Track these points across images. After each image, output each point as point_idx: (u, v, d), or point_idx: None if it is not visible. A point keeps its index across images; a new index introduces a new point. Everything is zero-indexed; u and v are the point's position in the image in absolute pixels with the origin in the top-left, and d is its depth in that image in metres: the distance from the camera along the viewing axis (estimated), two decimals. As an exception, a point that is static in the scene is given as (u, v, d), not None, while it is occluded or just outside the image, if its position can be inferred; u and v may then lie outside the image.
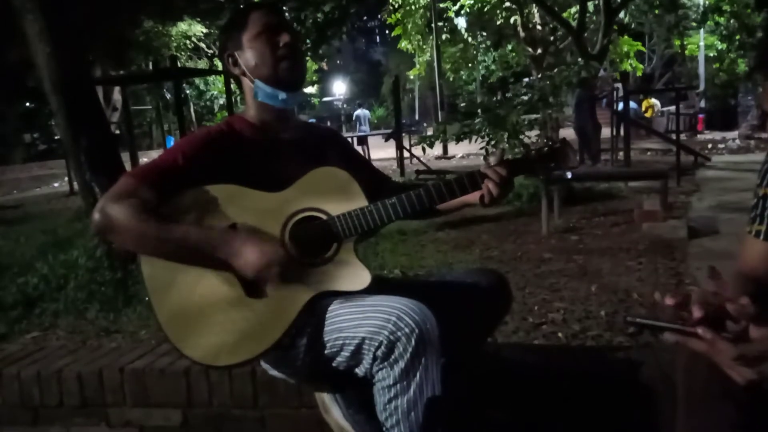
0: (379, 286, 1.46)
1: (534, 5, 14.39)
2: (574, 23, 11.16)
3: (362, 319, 1.36)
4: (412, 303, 1.35)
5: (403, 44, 21.34)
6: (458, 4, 16.18)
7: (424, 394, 1.33)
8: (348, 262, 1.46)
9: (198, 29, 21.88)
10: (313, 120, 27.62)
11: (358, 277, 1.44)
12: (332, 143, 1.75)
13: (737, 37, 17.65)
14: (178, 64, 14.69)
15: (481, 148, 6.22)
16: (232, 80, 1.69)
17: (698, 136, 17.49)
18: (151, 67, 15.78)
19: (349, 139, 9.99)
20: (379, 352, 1.33)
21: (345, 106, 41.27)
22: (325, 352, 1.42)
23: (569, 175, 5.41)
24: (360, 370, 1.41)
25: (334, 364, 1.44)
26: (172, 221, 1.42)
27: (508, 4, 15.49)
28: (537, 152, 1.47)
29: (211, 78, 29.75)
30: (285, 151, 1.58)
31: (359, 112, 17.94)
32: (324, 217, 1.47)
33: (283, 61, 1.52)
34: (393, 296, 1.38)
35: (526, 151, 1.52)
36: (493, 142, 6.06)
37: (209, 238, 1.40)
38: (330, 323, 1.41)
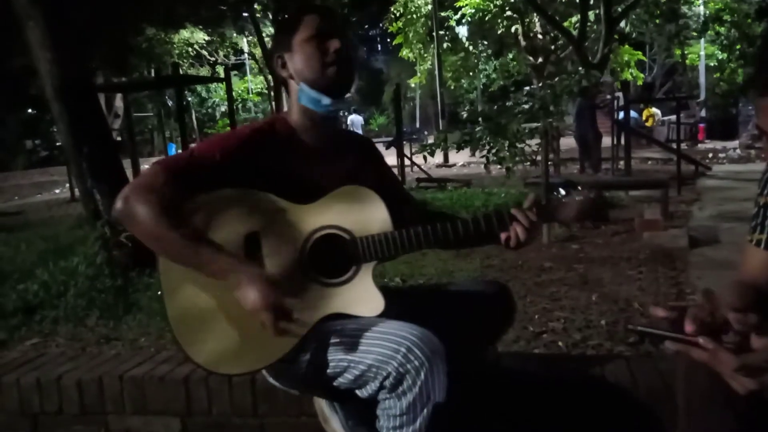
0: (384, 297, 1.44)
1: (535, 14, 14.43)
2: (575, 32, 11.19)
3: (370, 345, 1.34)
4: (422, 333, 1.33)
5: (405, 52, 21.39)
6: (459, 13, 16.22)
7: (430, 426, 1.32)
8: (364, 286, 1.44)
9: (200, 37, 21.98)
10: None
11: (373, 303, 1.42)
12: (368, 156, 1.72)
13: (738, 46, 17.71)
14: (180, 71, 14.74)
15: (482, 157, 6.22)
16: (278, 82, 1.67)
17: (699, 145, 17.51)
18: (153, 74, 15.85)
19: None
20: (387, 383, 1.31)
21: (346, 113, 41.34)
22: (328, 371, 1.41)
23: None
24: (362, 393, 1.39)
25: (335, 384, 1.42)
26: (191, 228, 1.39)
27: (509, 13, 15.52)
28: (577, 204, 1.45)
29: (213, 85, 29.86)
30: (321, 159, 1.56)
31: (353, 117, 17.92)
32: (347, 237, 1.45)
33: (330, 66, 1.49)
34: (403, 323, 1.36)
35: (559, 200, 1.47)
36: (494, 151, 6.05)
37: (219, 262, 1.35)
38: (336, 343, 1.39)
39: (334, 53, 1.49)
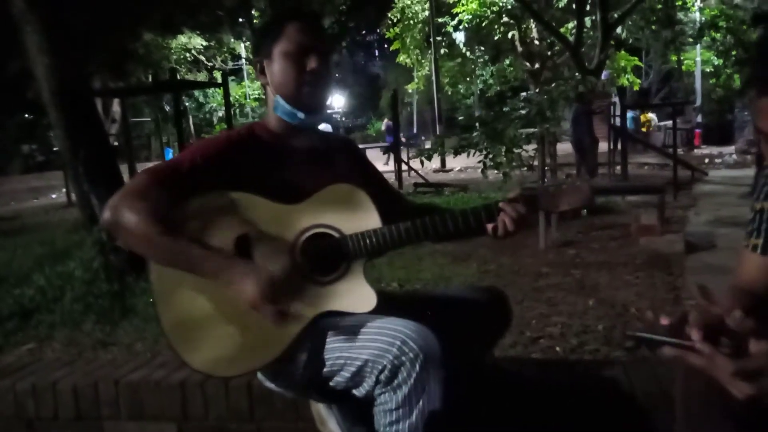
0: (380, 302, 1.44)
1: (532, 20, 14.49)
2: (571, 38, 11.22)
3: (366, 340, 1.35)
4: (416, 327, 1.33)
5: (402, 58, 21.47)
6: (456, 19, 16.27)
7: (426, 420, 1.32)
8: (356, 282, 1.44)
9: (198, 42, 22.02)
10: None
11: (365, 298, 1.43)
12: (349, 155, 1.73)
13: (733, 52, 17.79)
14: (178, 76, 14.75)
15: (479, 162, 6.23)
16: (260, 85, 1.67)
17: (695, 150, 17.55)
18: (150, 79, 15.85)
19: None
20: (382, 376, 1.31)
21: (343, 119, 41.42)
22: (325, 369, 1.41)
23: (585, 212, 5.46)
24: (359, 392, 1.39)
25: (332, 383, 1.42)
26: (181, 232, 1.39)
27: (506, 19, 15.57)
28: (555, 189, 1.46)
29: (210, 90, 29.90)
30: (303, 161, 1.57)
31: (322, 126, 17.86)
32: (337, 235, 1.45)
33: (305, 86, 1.50)
34: (397, 318, 1.37)
35: (544, 188, 1.49)
36: (490, 156, 6.07)
37: (211, 262, 1.37)
38: (332, 341, 1.40)
39: (311, 73, 1.50)
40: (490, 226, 1.47)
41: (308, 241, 1.45)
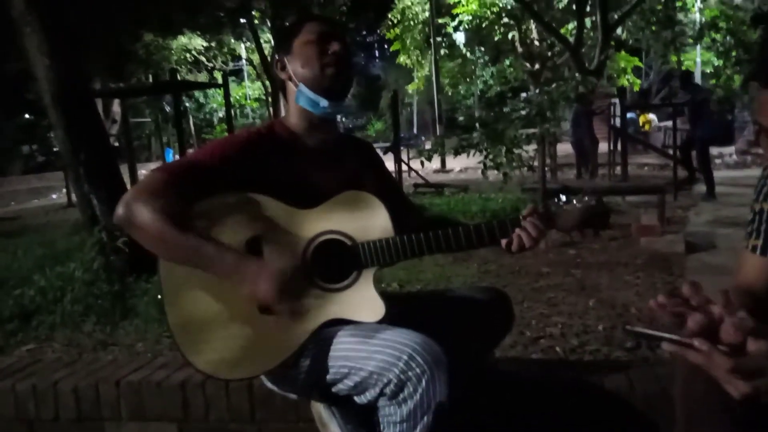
0: (384, 304, 1.44)
1: (532, 21, 14.49)
2: (571, 39, 11.23)
3: (372, 351, 1.34)
4: (423, 340, 1.33)
5: (402, 59, 21.47)
6: (457, 20, 16.28)
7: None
8: (366, 291, 1.44)
9: (198, 43, 22.00)
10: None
11: (374, 308, 1.42)
12: (369, 159, 1.73)
13: (734, 53, 17.76)
14: (178, 77, 14.76)
15: (479, 162, 6.24)
16: (276, 87, 1.70)
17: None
18: (150, 80, 15.86)
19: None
20: (387, 390, 1.31)
21: (344, 119, 41.39)
22: (328, 376, 1.41)
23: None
24: (361, 400, 1.38)
25: (334, 390, 1.42)
26: (194, 231, 1.38)
27: (506, 19, 15.58)
28: (571, 208, 1.45)
29: (210, 91, 29.88)
30: (321, 162, 1.56)
31: None
32: (349, 242, 1.45)
33: (329, 67, 1.51)
34: (405, 330, 1.36)
35: (560, 207, 1.48)
36: (491, 156, 6.08)
37: (225, 260, 1.36)
38: (337, 349, 1.39)
39: (333, 55, 1.51)
40: (504, 241, 1.47)
41: (320, 246, 1.45)
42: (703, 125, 8.38)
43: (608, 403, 1.83)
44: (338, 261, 1.44)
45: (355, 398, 1.40)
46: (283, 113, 1.68)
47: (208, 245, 1.36)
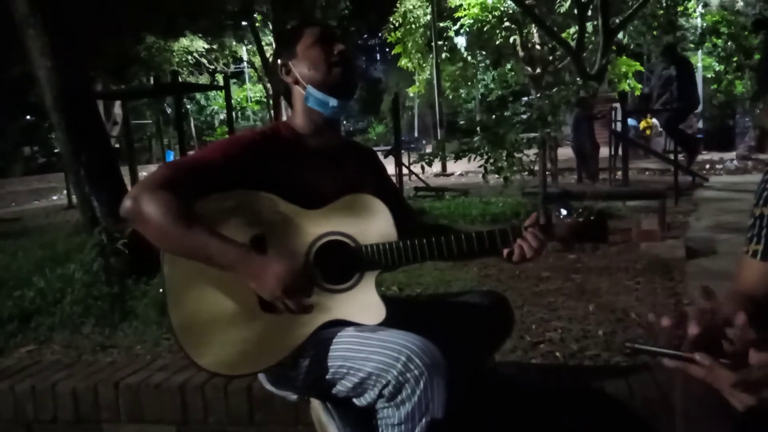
0: (385, 306, 1.44)
1: (533, 25, 14.50)
2: (573, 43, 11.24)
3: (371, 353, 1.35)
4: (422, 342, 1.33)
5: (403, 62, 21.46)
6: (458, 24, 16.30)
7: None
8: (367, 293, 1.45)
9: (200, 45, 22.04)
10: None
11: (374, 311, 1.43)
12: (371, 165, 1.76)
13: (735, 58, 17.78)
14: (180, 79, 14.77)
15: (480, 166, 6.23)
16: (278, 92, 1.71)
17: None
18: (152, 82, 15.87)
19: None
20: (385, 391, 1.32)
21: (345, 122, 41.43)
22: (327, 377, 1.41)
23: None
24: (360, 401, 1.39)
25: (333, 391, 1.43)
26: (200, 224, 1.39)
27: (507, 23, 15.59)
28: (579, 226, 1.46)
29: (211, 93, 29.94)
30: (325, 165, 1.58)
31: None
32: (352, 244, 1.46)
33: (336, 67, 1.54)
34: (403, 332, 1.37)
35: (560, 219, 1.49)
36: (491, 160, 6.07)
37: (230, 254, 1.37)
38: (336, 350, 1.40)
39: (339, 54, 1.54)
40: (505, 251, 1.48)
41: (323, 247, 1.46)
42: (688, 95, 8.70)
43: (608, 408, 1.83)
44: (341, 262, 1.45)
45: (354, 400, 1.40)
46: (284, 116, 1.69)
47: (214, 239, 1.38)
